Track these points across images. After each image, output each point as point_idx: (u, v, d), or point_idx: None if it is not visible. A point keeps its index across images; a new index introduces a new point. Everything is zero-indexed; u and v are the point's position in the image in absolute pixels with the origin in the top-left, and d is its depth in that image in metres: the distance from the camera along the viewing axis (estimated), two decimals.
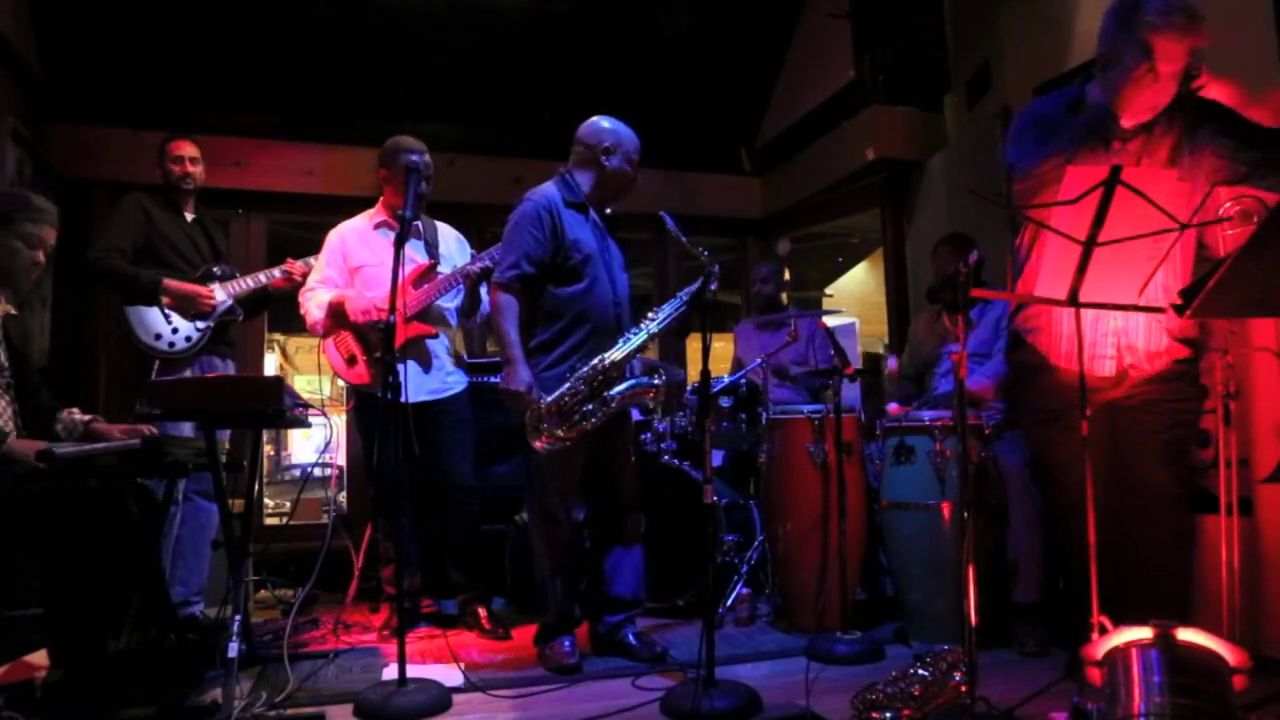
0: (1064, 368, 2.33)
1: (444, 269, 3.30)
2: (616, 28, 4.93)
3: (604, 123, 2.91)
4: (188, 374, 3.21)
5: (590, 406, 2.66)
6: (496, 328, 2.78)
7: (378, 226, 3.34)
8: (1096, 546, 2.00)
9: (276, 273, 3.41)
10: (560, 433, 2.66)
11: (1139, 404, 2.33)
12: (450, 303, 3.35)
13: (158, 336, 3.19)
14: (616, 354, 2.70)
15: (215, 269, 3.36)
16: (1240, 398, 2.47)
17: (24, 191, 3.03)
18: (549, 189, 2.86)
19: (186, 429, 3.01)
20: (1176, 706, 1.53)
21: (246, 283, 3.37)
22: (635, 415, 3.25)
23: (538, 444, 2.67)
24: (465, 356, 3.44)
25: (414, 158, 3.18)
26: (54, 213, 2.58)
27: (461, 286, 3.21)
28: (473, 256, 3.27)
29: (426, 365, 3.24)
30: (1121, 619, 1.74)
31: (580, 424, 2.66)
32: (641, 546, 2.94)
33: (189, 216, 3.42)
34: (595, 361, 2.69)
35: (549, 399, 2.67)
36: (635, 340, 2.73)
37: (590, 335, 2.76)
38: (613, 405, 2.67)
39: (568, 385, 2.68)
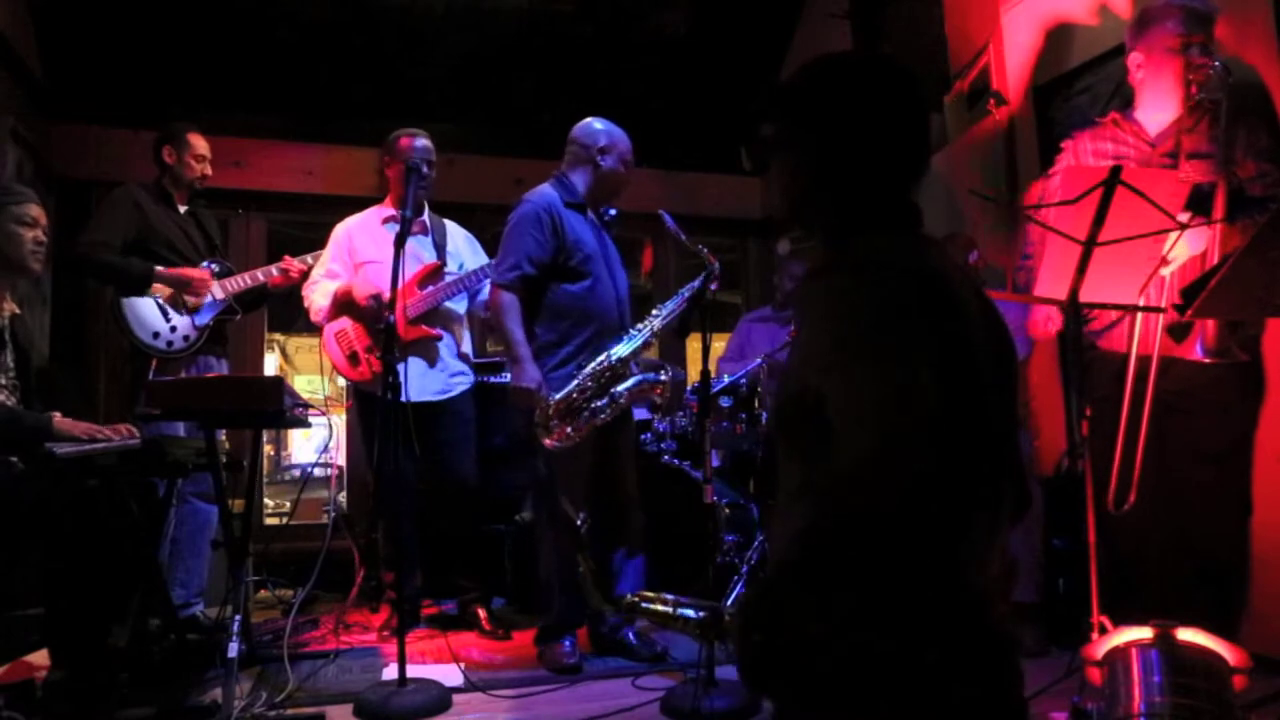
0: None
1: (451, 267, 3.28)
2: (616, 27, 4.92)
3: (597, 124, 2.92)
4: (183, 374, 3.16)
5: (600, 403, 2.67)
6: (500, 327, 2.77)
7: (385, 221, 3.33)
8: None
9: (274, 270, 3.37)
10: (570, 430, 2.67)
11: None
12: (459, 305, 3.33)
13: (156, 335, 3.14)
14: (623, 349, 2.72)
15: (213, 266, 3.30)
16: None
17: None
18: (547, 190, 2.86)
19: (179, 428, 2.97)
20: (1176, 706, 1.53)
21: (244, 280, 3.32)
22: (638, 414, 3.25)
23: (549, 441, 2.67)
24: (472, 356, 3.42)
25: (414, 151, 3.16)
26: (32, 193, 2.60)
27: (469, 289, 3.21)
28: (483, 266, 3.22)
29: (430, 365, 3.23)
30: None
31: (591, 421, 2.67)
32: (644, 546, 2.94)
33: (182, 209, 3.34)
34: (602, 358, 2.71)
35: (558, 396, 2.68)
36: (640, 336, 2.74)
37: (595, 334, 2.77)
38: (621, 401, 2.68)
39: (575, 382, 2.69)
